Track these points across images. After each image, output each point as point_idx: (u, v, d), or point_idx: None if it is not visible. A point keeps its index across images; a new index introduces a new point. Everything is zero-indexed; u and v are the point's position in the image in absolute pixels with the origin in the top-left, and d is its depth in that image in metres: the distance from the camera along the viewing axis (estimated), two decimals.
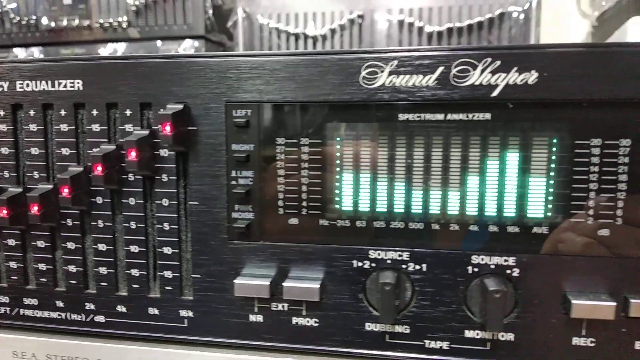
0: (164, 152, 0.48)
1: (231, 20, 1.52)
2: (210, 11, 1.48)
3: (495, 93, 0.43)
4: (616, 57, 0.41)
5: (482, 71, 0.43)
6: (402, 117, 0.44)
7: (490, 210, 0.44)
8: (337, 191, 0.46)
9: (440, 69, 0.43)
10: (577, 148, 0.43)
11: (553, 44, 0.42)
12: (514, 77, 0.42)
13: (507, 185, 0.44)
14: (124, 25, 1.42)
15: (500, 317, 0.42)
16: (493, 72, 0.43)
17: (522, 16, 1.30)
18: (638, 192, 0.42)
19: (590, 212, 0.43)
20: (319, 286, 0.46)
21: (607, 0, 1.18)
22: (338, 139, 0.45)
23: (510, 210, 0.44)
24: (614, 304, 0.42)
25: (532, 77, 0.42)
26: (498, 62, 0.42)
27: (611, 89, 0.41)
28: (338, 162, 0.46)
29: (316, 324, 0.47)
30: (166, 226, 0.49)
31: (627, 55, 0.41)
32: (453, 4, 1.36)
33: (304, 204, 0.46)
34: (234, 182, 0.47)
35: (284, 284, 0.46)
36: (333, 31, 1.41)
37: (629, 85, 0.41)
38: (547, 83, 0.42)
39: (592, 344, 0.44)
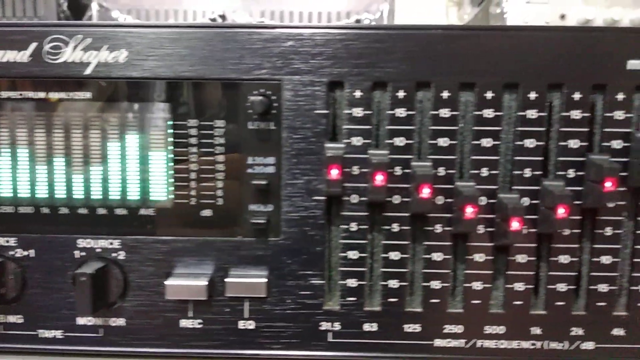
0: None
1: (86, 15, 1.48)
2: (66, 4, 1.44)
3: (88, 71, 0.41)
4: (208, 39, 0.41)
5: (74, 48, 0.41)
6: (4, 94, 0.43)
7: (96, 193, 0.43)
8: None
9: (34, 45, 0.42)
10: (177, 129, 0.42)
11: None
12: (105, 55, 0.41)
13: (111, 167, 0.43)
14: None
15: (87, 301, 0.41)
16: (85, 50, 0.41)
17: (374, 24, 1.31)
18: (233, 173, 0.42)
19: (193, 193, 0.42)
20: None
21: (469, 15, 1.19)
22: None
23: (115, 193, 0.43)
24: (205, 283, 0.41)
25: (122, 55, 0.41)
26: (89, 40, 0.41)
27: (201, 68, 0.41)
28: None
29: None
30: None
31: (216, 37, 0.41)
32: (312, 10, 1.36)
33: None
34: None
35: None
36: None
37: (218, 65, 0.41)
38: (136, 61, 0.41)
39: (200, 326, 0.43)
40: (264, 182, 0.42)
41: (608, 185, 0.39)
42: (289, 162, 0.42)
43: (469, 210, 0.39)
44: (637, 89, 0.41)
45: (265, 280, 0.42)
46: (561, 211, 0.39)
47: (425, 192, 0.39)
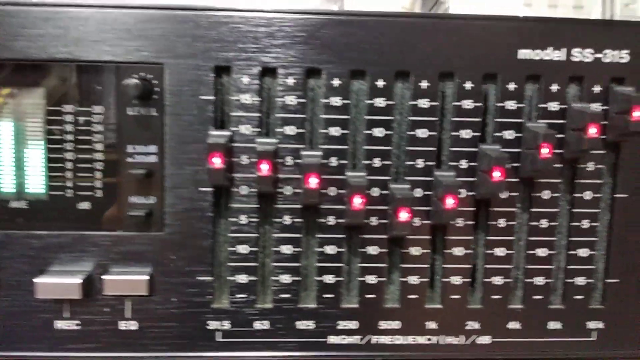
0: None
1: None
2: None
3: None
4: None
5: None
6: None
7: None
8: None
9: None
10: (51, 115, 0.39)
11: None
12: None
13: None
14: None
15: None
16: None
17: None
18: (112, 162, 0.39)
19: (69, 184, 0.39)
20: None
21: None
22: None
23: None
24: (79, 281, 0.38)
25: None
26: None
27: (75, 49, 0.38)
28: None
29: None
30: None
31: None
32: None
33: None
34: None
35: None
36: None
37: (94, 47, 0.38)
38: (5, 42, 0.38)
39: (77, 327, 0.40)
40: (144, 172, 0.39)
41: (496, 175, 0.38)
42: (172, 151, 0.39)
43: (357, 201, 0.38)
44: (528, 79, 0.41)
45: (147, 277, 0.40)
46: (450, 202, 0.38)
47: (313, 182, 0.38)
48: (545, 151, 0.38)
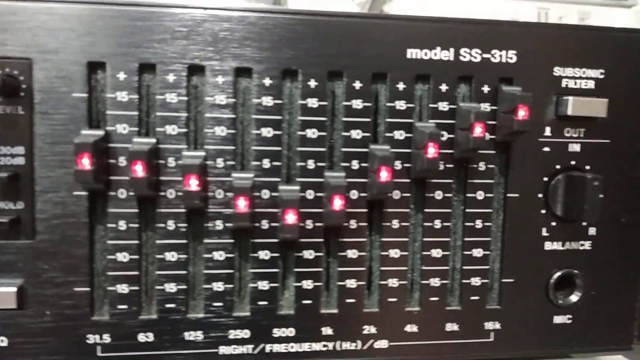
0: None
1: None
2: None
3: None
4: None
5: None
6: None
7: None
8: None
9: None
10: None
11: None
12: None
13: None
14: None
15: None
16: None
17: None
18: None
19: None
20: None
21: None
22: None
23: None
24: None
25: None
26: None
27: None
28: None
29: None
30: None
31: None
32: None
33: None
34: None
35: None
36: None
37: None
38: None
39: None
40: (10, 175, 0.36)
41: (384, 175, 0.38)
42: (42, 153, 0.37)
43: (242, 204, 0.36)
44: (418, 79, 0.40)
45: (15, 289, 0.37)
46: (338, 203, 0.37)
47: (193, 184, 0.36)
48: (432, 151, 0.38)
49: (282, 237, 0.38)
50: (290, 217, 0.37)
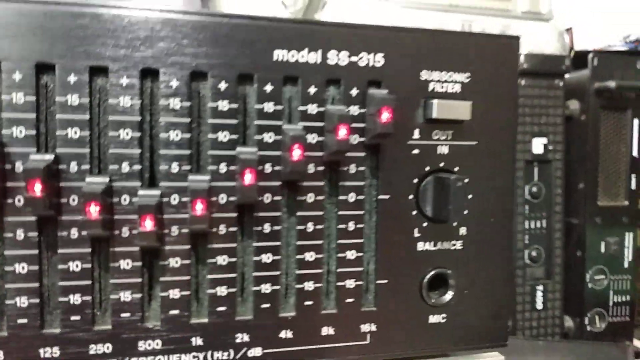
0: None
1: None
2: None
3: None
4: None
5: None
6: None
7: None
8: None
9: None
10: None
11: None
12: None
13: None
14: None
15: None
16: None
17: None
18: None
19: None
20: None
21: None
22: None
23: None
24: None
25: None
26: None
27: None
28: None
29: None
30: None
31: None
32: None
33: None
34: None
35: None
36: None
37: None
38: None
39: None
40: None
41: (248, 178, 0.37)
42: None
43: (94, 210, 0.34)
44: (286, 81, 0.40)
45: None
46: (199, 207, 0.36)
47: (37, 189, 0.33)
48: (297, 153, 0.38)
49: (140, 244, 0.36)
50: (149, 224, 0.35)
